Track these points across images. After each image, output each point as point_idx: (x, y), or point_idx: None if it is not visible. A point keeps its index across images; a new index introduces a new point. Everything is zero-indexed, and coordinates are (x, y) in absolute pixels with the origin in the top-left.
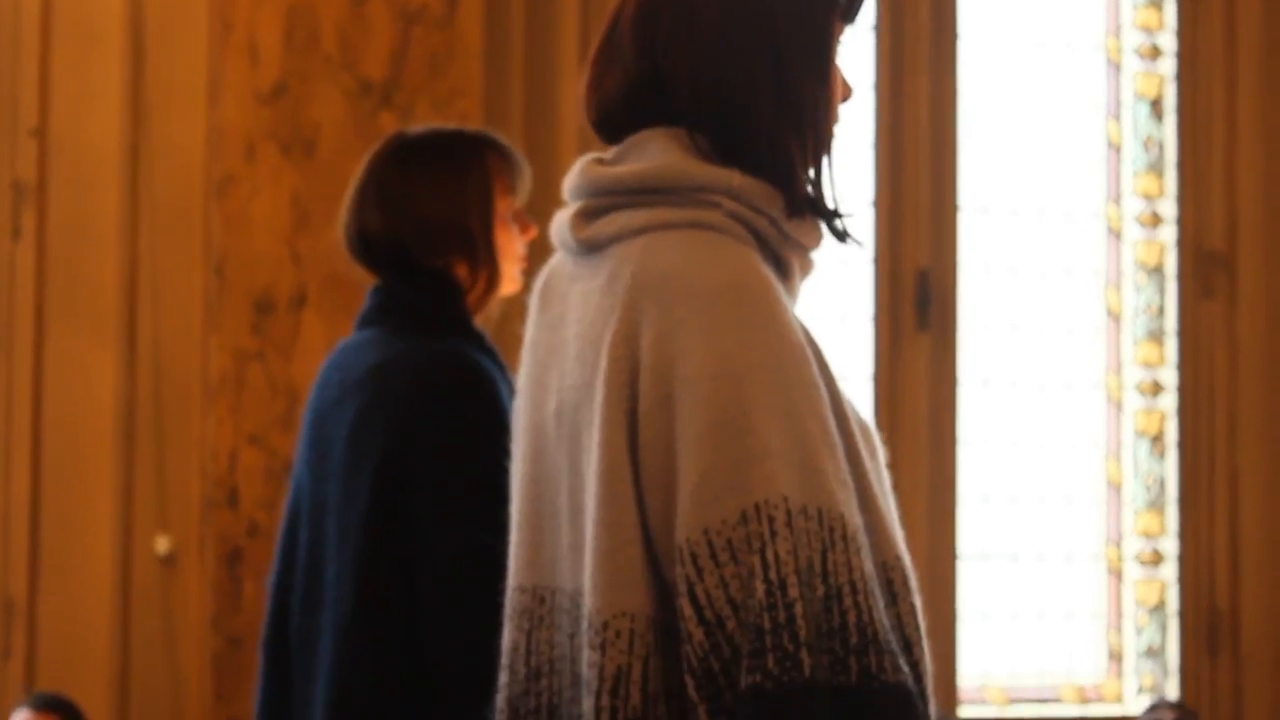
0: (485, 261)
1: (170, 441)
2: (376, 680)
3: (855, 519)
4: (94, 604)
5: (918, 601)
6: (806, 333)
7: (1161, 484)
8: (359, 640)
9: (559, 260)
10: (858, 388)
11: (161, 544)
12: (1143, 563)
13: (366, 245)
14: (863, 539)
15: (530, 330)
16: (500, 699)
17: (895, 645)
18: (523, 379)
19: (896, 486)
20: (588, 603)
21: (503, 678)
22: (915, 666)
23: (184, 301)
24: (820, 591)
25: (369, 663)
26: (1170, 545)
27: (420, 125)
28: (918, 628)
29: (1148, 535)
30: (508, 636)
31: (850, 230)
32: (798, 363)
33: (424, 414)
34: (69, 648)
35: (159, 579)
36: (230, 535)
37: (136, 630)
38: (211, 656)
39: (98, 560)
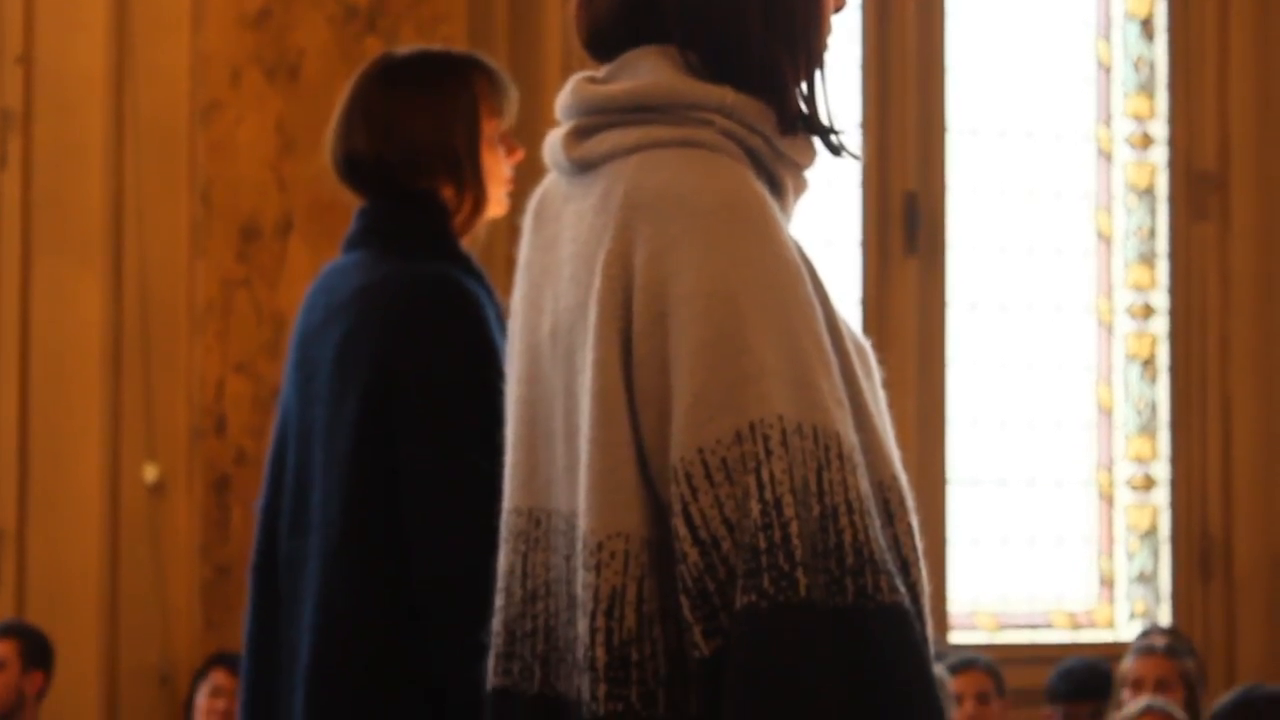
0: (471, 184)
1: (157, 370)
2: (364, 604)
3: (851, 438)
4: (82, 533)
5: (915, 521)
6: (801, 250)
7: (1153, 408)
8: (346, 564)
9: (552, 180)
10: (846, 311)
11: (149, 473)
12: (1134, 488)
13: (352, 168)
14: (858, 458)
15: (524, 251)
16: (496, 622)
17: (891, 565)
18: (516, 300)
19: (887, 409)
20: (582, 524)
21: (499, 600)
22: (912, 587)
23: (170, 228)
24: (816, 511)
25: (356, 586)
26: (1162, 470)
27: (406, 47)
28: (915, 548)
29: (1139, 460)
30: (504, 559)
31: (845, 144)
32: (793, 280)
33: (411, 337)
34: (57, 577)
35: (147, 508)
36: (218, 463)
37: (125, 559)
38: (200, 584)
39: (86, 489)
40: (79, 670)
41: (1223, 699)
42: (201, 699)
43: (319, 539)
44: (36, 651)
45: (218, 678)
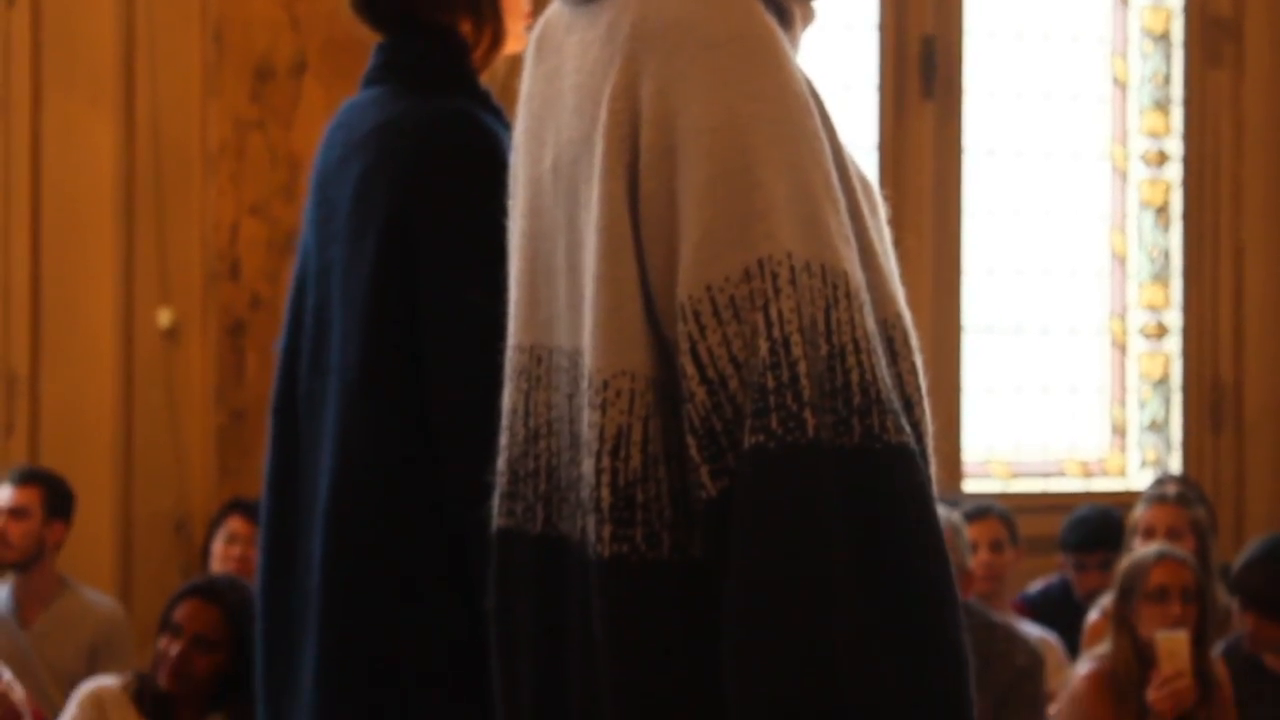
0: (490, 17)
1: (170, 213)
2: (381, 444)
3: (858, 276)
4: (96, 378)
5: (918, 360)
6: (810, 84)
7: (1166, 256)
8: (365, 404)
9: (555, 10)
10: (861, 159)
11: (163, 317)
12: (1147, 336)
13: (369, 2)
14: (865, 296)
15: (526, 83)
16: (501, 461)
17: (897, 405)
18: (518, 133)
19: (900, 258)
20: (587, 362)
21: (503, 440)
22: (916, 426)
23: (182, 69)
24: (824, 350)
25: (374, 427)
26: (1174, 318)
27: None
28: (918, 386)
29: (1152, 308)
30: (507, 398)
31: None
32: (802, 115)
33: (429, 174)
34: (71, 422)
35: (161, 353)
36: (232, 308)
37: (139, 404)
38: (215, 430)
39: (99, 334)
40: (94, 517)
41: (1249, 549)
42: (218, 545)
43: (337, 379)
44: (59, 501)
45: (234, 524)
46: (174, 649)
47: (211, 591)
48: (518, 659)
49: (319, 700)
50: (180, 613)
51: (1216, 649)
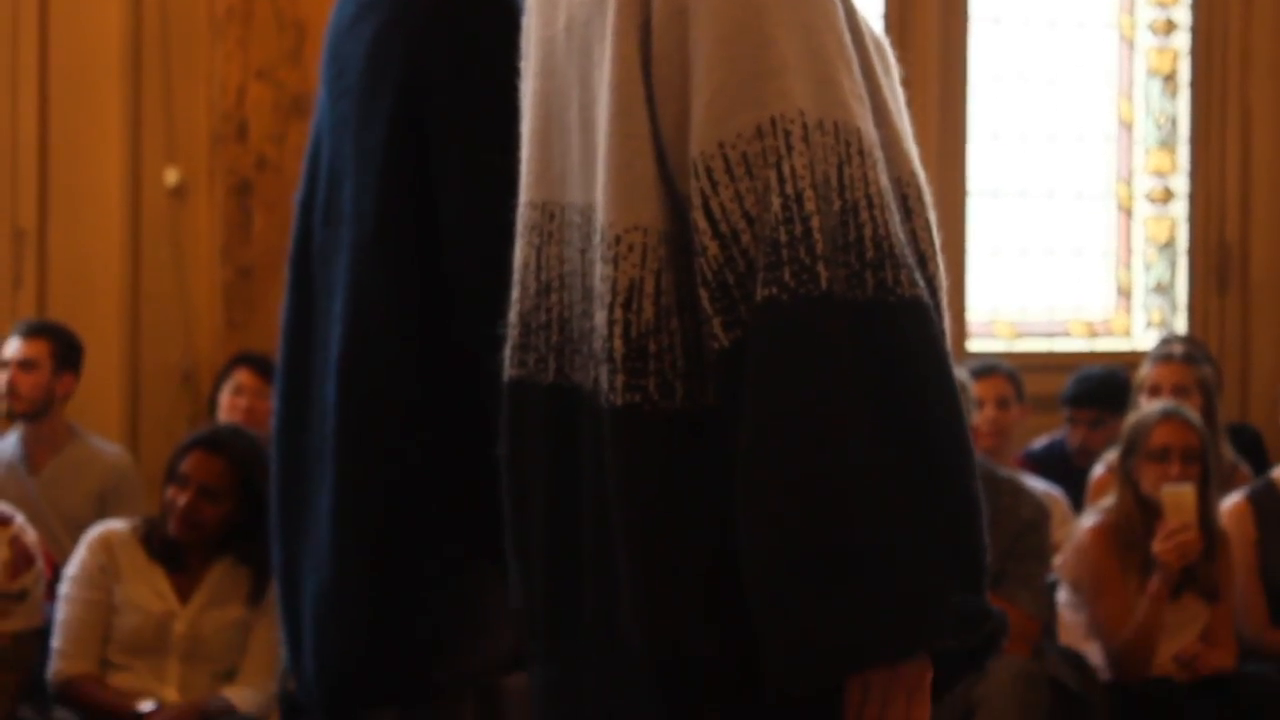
0: None
1: (178, 74)
2: (393, 295)
3: (871, 133)
4: (104, 235)
5: (932, 217)
6: None
7: (1173, 122)
8: (377, 255)
9: None
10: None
11: (170, 176)
12: (1153, 200)
13: None
14: (878, 154)
15: None
16: (512, 314)
17: (911, 259)
18: None
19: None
20: (600, 217)
21: (515, 293)
22: (930, 280)
23: None
24: (836, 206)
25: (386, 277)
26: (1181, 183)
27: None
28: (932, 242)
29: (1158, 173)
30: (519, 253)
31: None
32: None
33: (444, 31)
34: (79, 276)
35: (168, 211)
36: (239, 168)
37: (146, 260)
38: (222, 286)
39: (107, 192)
40: (102, 369)
41: None
42: (225, 397)
43: (350, 231)
44: (68, 353)
45: (241, 377)
46: (182, 499)
47: (217, 442)
48: (529, 506)
49: (334, 543)
50: (187, 464)
51: (1243, 491)
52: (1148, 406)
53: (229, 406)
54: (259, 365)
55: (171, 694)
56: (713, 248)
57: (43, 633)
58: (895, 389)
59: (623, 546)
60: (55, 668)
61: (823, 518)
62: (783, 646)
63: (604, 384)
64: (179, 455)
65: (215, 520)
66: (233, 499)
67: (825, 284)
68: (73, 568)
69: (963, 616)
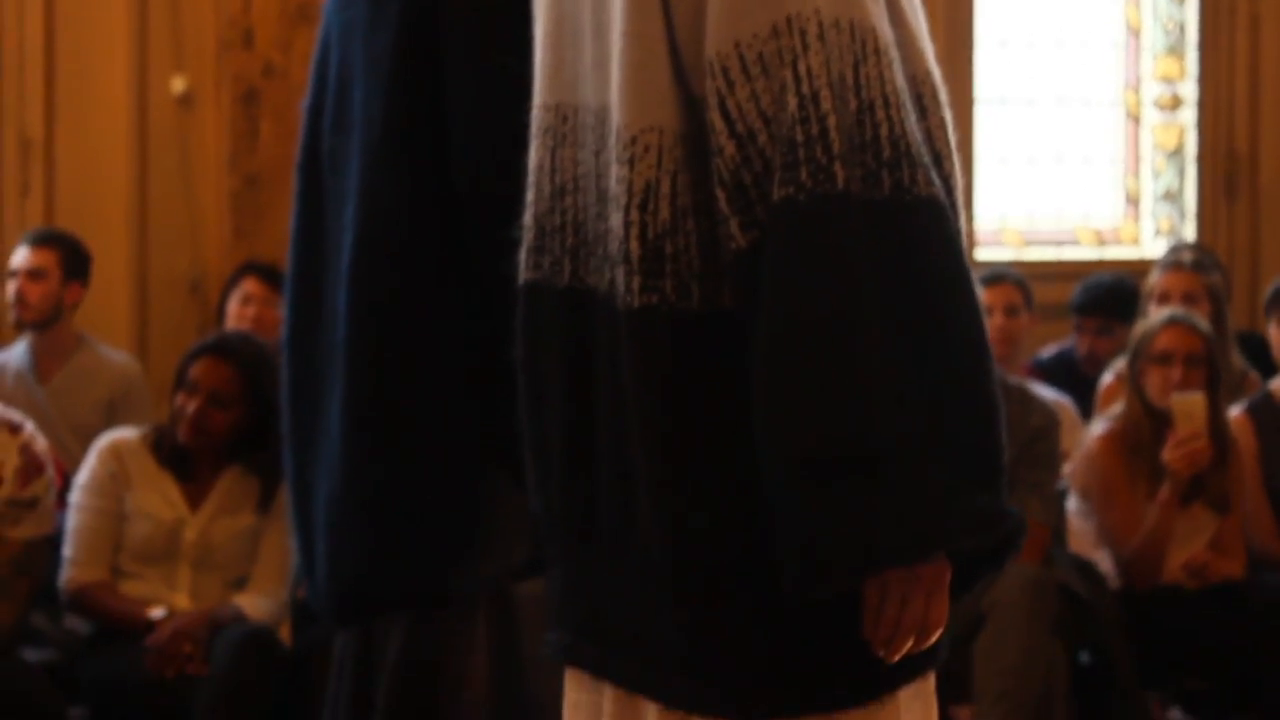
0: None
1: None
2: (404, 200)
3: (886, 32)
4: (110, 143)
5: (947, 116)
6: None
7: (1181, 28)
8: (387, 160)
9: None
10: None
11: (177, 84)
12: (1161, 107)
13: None
14: (894, 53)
15: None
16: (527, 217)
17: (927, 159)
18: None
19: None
20: (615, 118)
21: (529, 196)
22: (946, 180)
23: None
24: (853, 105)
25: (397, 183)
26: (1189, 89)
27: None
28: (948, 141)
29: (1167, 80)
30: (533, 155)
31: None
32: None
33: None
34: (86, 185)
35: (175, 119)
36: (246, 75)
37: (153, 168)
38: (229, 194)
39: (113, 100)
40: (110, 278)
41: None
42: (233, 305)
43: (360, 137)
44: (76, 262)
45: (249, 286)
46: (191, 406)
47: (225, 349)
48: (545, 409)
49: (345, 450)
50: (196, 370)
51: (1241, 404)
52: (1155, 313)
53: (237, 315)
54: (267, 274)
55: (183, 601)
56: (729, 148)
57: (53, 541)
58: (913, 288)
59: (639, 450)
60: (67, 576)
61: (840, 418)
62: (800, 548)
63: (620, 286)
64: (187, 362)
65: (224, 426)
66: (242, 405)
67: (842, 183)
68: (83, 476)
69: (981, 517)
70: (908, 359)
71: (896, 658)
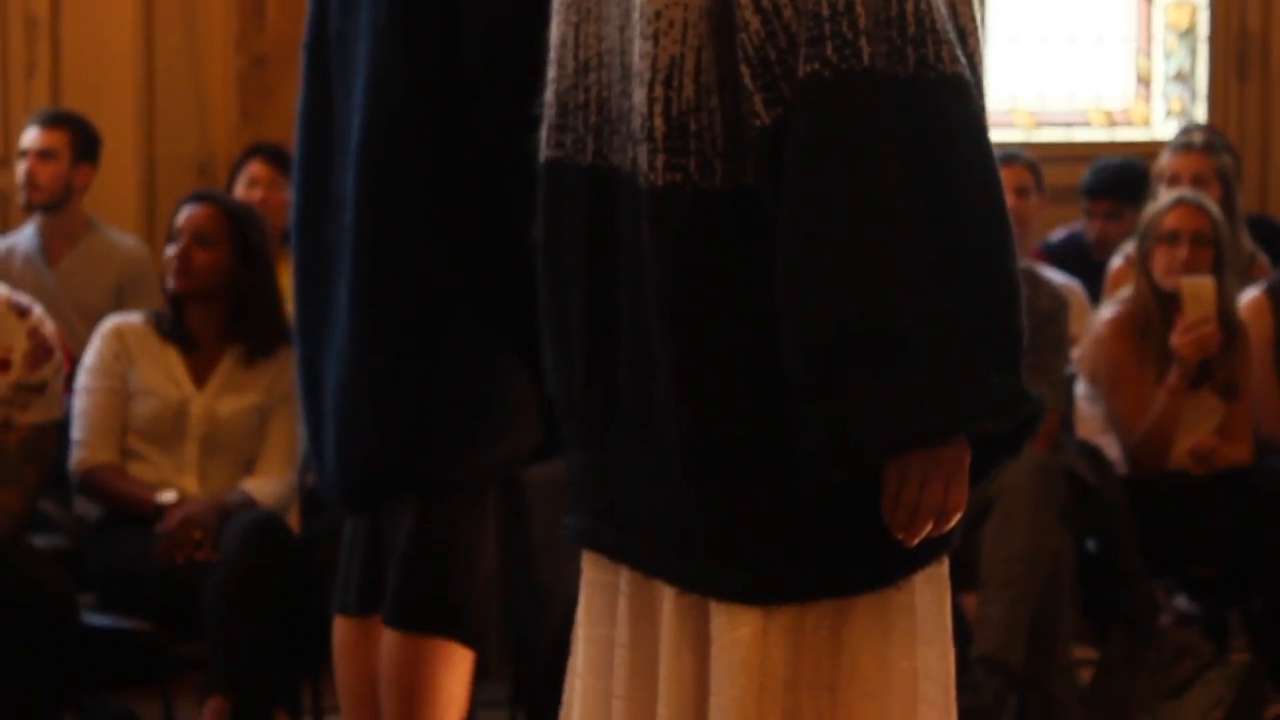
0: None
1: None
2: (413, 81)
3: None
4: (116, 21)
5: None
6: None
7: None
8: (396, 43)
9: None
10: None
11: None
12: None
13: None
14: None
15: None
16: (549, 94)
17: (952, 35)
18: None
19: None
20: None
21: (551, 73)
22: (970, 57)
23: None
24: None
25: (406, 63)
26: None
27: None
28: (973, 17)
29: None
30: (555, 31)
31: None
32: None
33: None
34: (92, 65)
35: None
36: None
37: (160, 49)
38: (236, 75)
39: None
40: (118, 160)
41: None
42: (239, 188)
43: (368, 17)
44: (86, 143)
45: (254, 169)
46: (173, 249)
47: (205, 195)
48: (566, 291)
49: (354, 335)
50: (179, 219)
51: (1260, 285)
52: (1165, 196)
53: (243, 198)
54: (273, 156)
55: (191, 483)
56: (754, 23)
57: (62, 426)
58: (936, 167)
59: (659, 331)
60: (76, 458)
61: (863, 298)
62: (821, 430)
63: (643, 164)
64: (173, 217)
65: (209, 266)
66: (226, 245)
67: (867, 59)
68: (87, 359)
69: (1003, 400)
70: (931, 238)
71: (915, 541)
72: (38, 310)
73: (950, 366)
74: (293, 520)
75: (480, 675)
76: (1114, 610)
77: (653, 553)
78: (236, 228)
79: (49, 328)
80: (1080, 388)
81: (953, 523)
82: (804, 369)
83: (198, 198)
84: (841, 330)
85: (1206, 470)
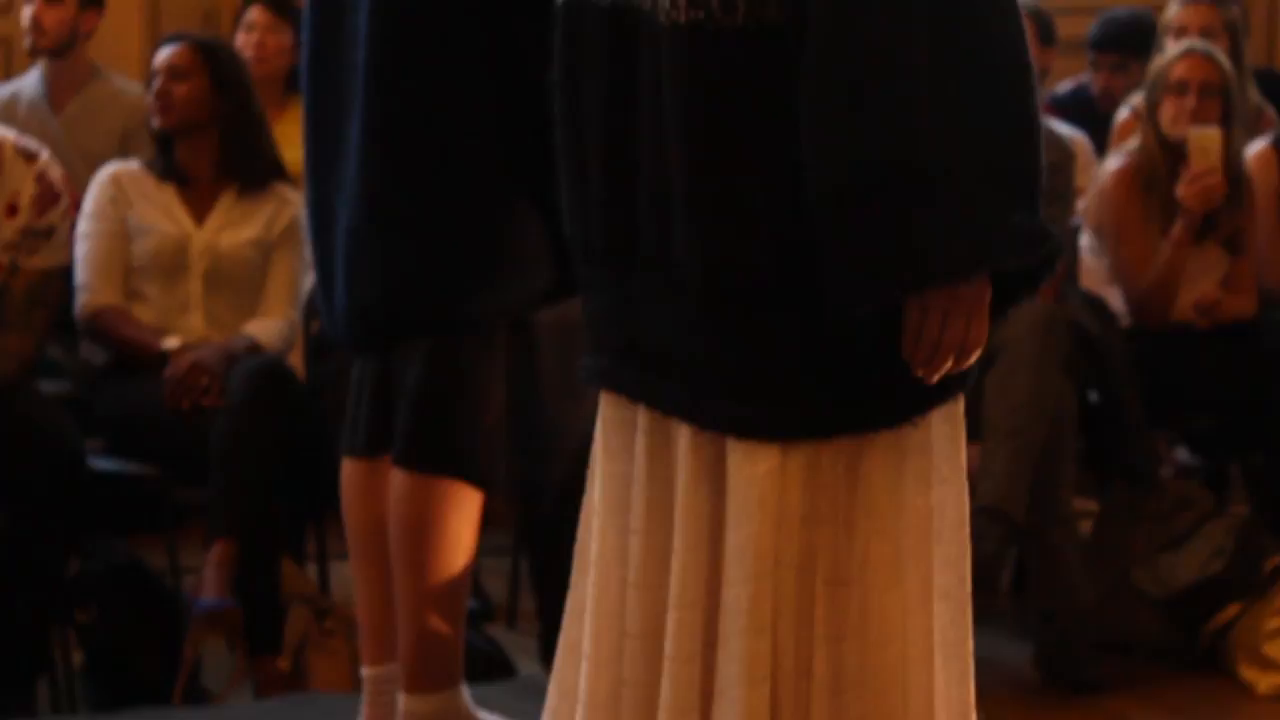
0: None
1: None
2: None
3: None
4: None
5: None
6: None
7: None
8: None
9: None
10: None
11: None
12: None
13: None
14: None
15: None
16: None
17: None
18: None
19: None
20: None
21: None
22: None
23: None
24: None
25: None
26: None
27: None
28: None
29: None
30: None
31: None
32: None
33: None
34: None
35: None
36: None
37: None
38: None
39: None
40: (122, 8)
41: None
42: (239, 35)
43: None
44: None
45: (253, 14)
46: (153, 90)
47: (176, 36)
48: (585, 130)
49: (364, 175)
50: (155, 62)
51: (1266, 138)
52: (1172, 48)
53: (241, 44)
54: (272, 2)
55: (196, 323)
56: None
57: (69, 272)
58: (961, 5)
59: (680, 168)
60: (80, 301)
61: (890, 135)
62: (843, 266)
63: (664, 1)
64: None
65: (185, 99)
66: (200, 77)
67: None
68: (86, 206)
69: (1025, 236)
70: (956, 76)
71: (936, 378)
72: (45, 154)
73: (973, 203)
74: (296, 361)
75: (484, 522)
76: (1115, 462)
77: (671, 392)
78: (208, 59)
79: (56, 172)
80: (1085, 239)
81: (972, 359)
82: (829, 204)
83: (169, 39)
84: (865, 167)
85: (1210, 323)
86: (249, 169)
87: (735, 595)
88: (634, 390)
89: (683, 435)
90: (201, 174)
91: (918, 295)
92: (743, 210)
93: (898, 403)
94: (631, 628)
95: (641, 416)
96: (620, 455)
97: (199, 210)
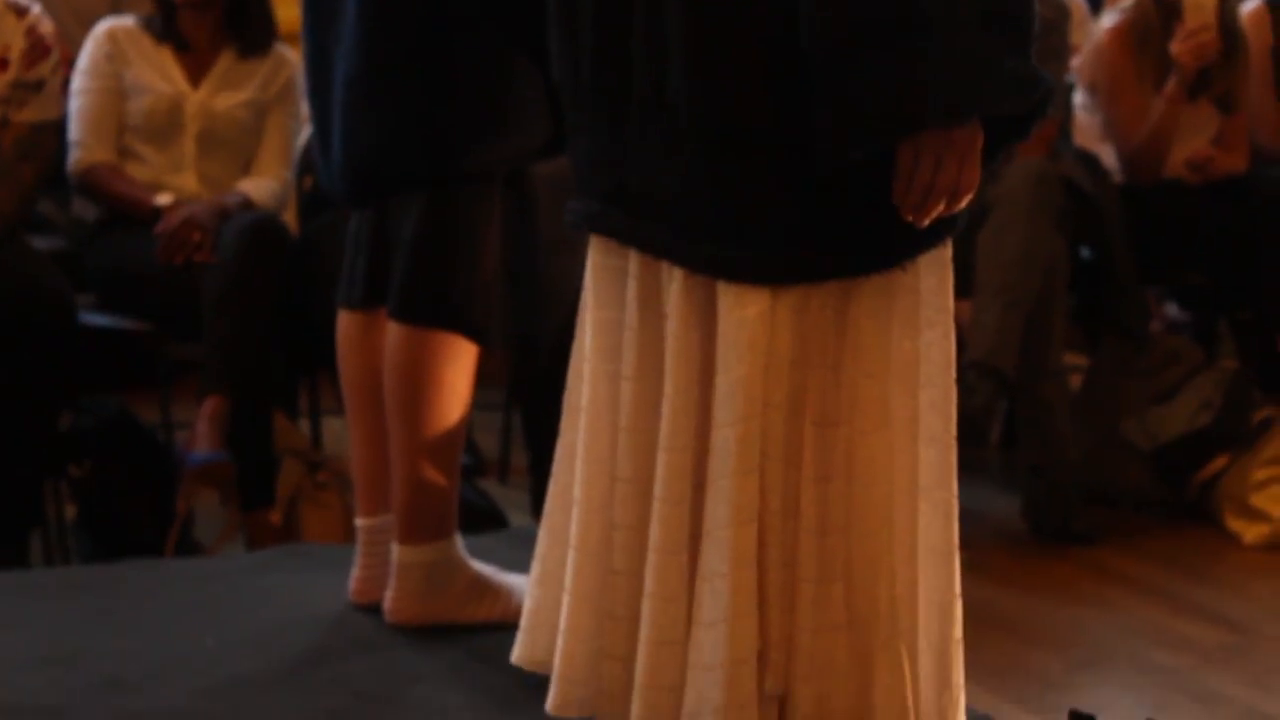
0: None
1: None
2: None
3: None
4: None
5: None
6: None
7: None
8: None
9: None
10: None
11: None
12: None
13: None
14: None
15: None
16: None
17: None
18: None
19: None
20: None
21: None
22: None
23: None
24: None
25: None
26: None
27: None
28: None
29: None
30: None
31: None
32: None
33: None
34: None
35: None
36: None
37: None
38: None
39: None
40: None
41: None
42: None
43: None
44: None
45: None
46: None
47: None
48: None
49: (362, 29)
50: None
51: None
52: None
53: None
54: None
55: (190, 182)
56: None
57: (60, 127)
58: None
59: (673, 14)
60: (73, 158)
61: None
62: (837, 110)
63: None
64: None
65: None
66: None
67: None
68: (81, 62)
69: (1017, 80)
70: None
71: (927, 221)
72: (36, 9)
73: (966, 47)
74: (290, 224)
75: (476, 378)
76: (1106, 317)
77: (662, 234)
78: None
79: (47, 26)
80: (1079, 97)
81: (963, 204)
82: (824, 49)
83: None
84: (860, 10)
85: (1202, 180)
86: (251, 32)
87: (724, 437)
88: (624, 234)
89: (674, 278)
90: (201, 39)
91: (911, 138)
92: (737, 50)
93: (887, 247)
94: (622, 472)
95: (632, 263)
96: (611, 302)
97: (195, 72)
